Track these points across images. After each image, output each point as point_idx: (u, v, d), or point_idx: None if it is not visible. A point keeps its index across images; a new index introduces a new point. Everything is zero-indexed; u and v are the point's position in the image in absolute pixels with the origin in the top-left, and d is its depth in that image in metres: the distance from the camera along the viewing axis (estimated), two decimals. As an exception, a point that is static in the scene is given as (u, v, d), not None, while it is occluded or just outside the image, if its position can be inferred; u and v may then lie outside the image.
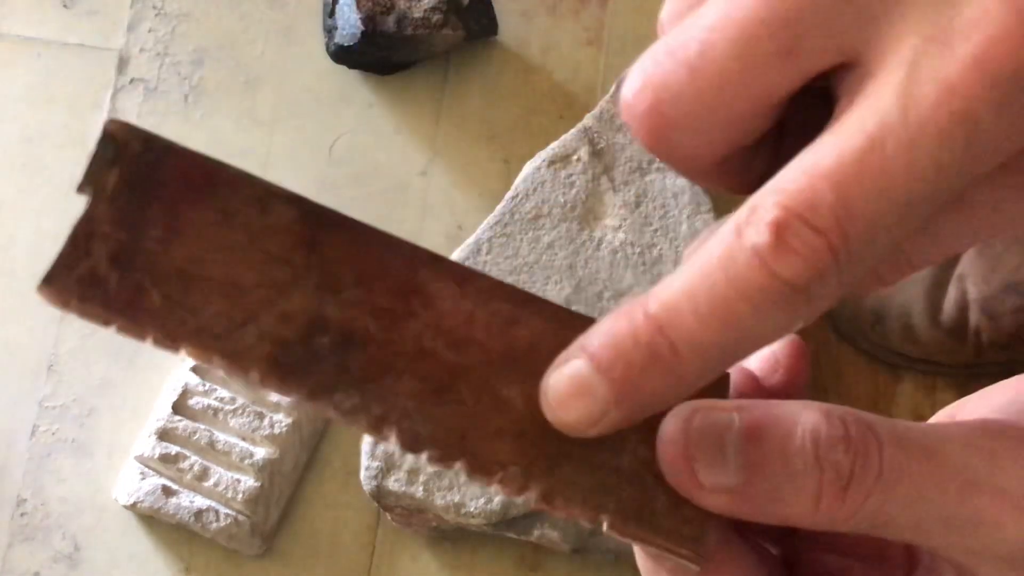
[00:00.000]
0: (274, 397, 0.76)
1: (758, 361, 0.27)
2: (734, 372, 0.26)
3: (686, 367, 0.21)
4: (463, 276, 0.24)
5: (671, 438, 0.23)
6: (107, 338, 0.81)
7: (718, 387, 0.24)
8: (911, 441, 0.22)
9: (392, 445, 0.23)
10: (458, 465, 0.23)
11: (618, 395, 0.21)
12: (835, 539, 0.27)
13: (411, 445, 0.23)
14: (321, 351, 0.23)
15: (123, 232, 0.24)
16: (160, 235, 0.24)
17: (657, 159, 0.23)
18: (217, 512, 0.74)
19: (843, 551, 0.27)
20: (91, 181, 0.24)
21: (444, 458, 0.23)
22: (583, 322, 0.24)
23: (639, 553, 0.25)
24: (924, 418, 0.85)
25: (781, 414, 0.22)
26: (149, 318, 0.24)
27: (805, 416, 0.22)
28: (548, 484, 0.23)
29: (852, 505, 0.22)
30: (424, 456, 0.23)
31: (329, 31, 0.86)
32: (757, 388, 0.26)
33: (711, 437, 0.22)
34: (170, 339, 0.24)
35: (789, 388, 0.27)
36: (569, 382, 0.22)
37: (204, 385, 0.76)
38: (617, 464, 0.24)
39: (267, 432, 0.75)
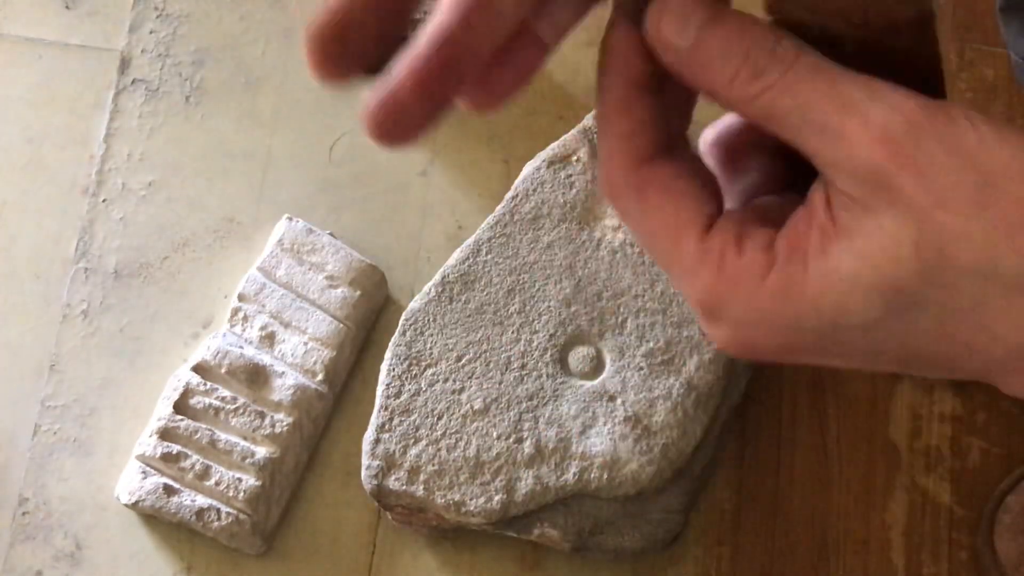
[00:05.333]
0: (275, 396, 0.76)
1: None
2: None
3: None
4: None
5: (656, 5, 0.30)
6: (108, 338, 0.81)
7: None
8: (821, 67, 0.29)
9: None
10: None
11: None
12: None
13: None
14: None
15: None
16: None
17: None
18: (218, 511, 0.74)
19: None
20: None
21: None
22: None
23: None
24: (923, 419, 0.84)
25: (743, 23, 0.30)
26: None
27: (755, 28, 0.30)
28: None
29: (757, 88, 0.29)
30: None
31: (330, 32, 0.86)
32: None
33: (685, 9, 0.30)
34: None
35: None
36: None
37: (205, 384, 0.76)
38: None
39: (268, 431, 0.76)
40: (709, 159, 0.34)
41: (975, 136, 0.27)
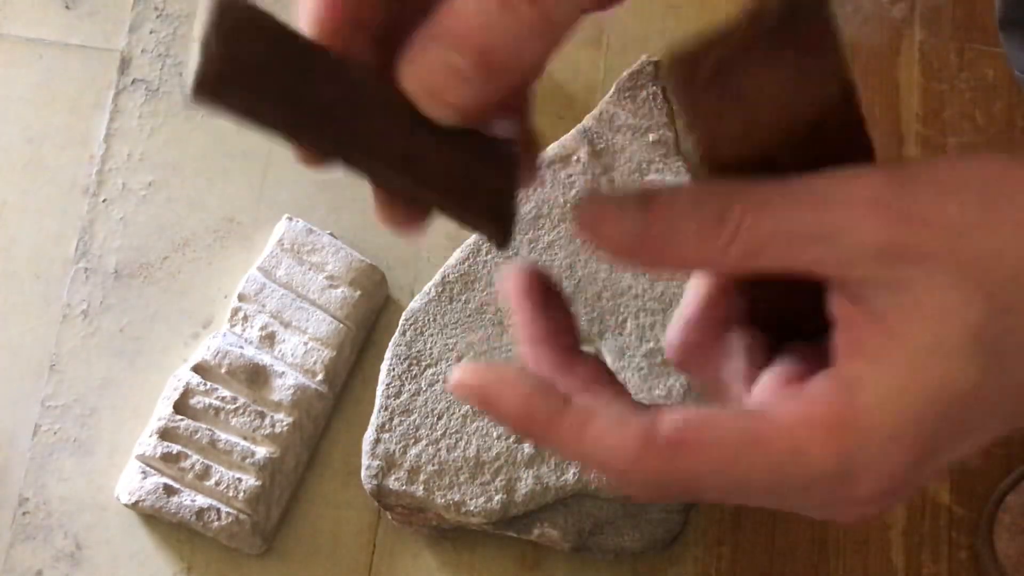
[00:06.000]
0: (275, 396, 0.76)
1: None
2: None
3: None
4: None
5: (582, 204, 0.29)
6: (108, 338, 0.81)
7: None
8: (773, 186, 0.27)
9: None
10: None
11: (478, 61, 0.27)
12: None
13: None
14: None
15: None
16: None
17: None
18: (218, 511, 0.74)
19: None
20: None
21: None
22: None
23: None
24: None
25: (672, 188, 0.28)
26: None
27: (689, 186, 0.28)
28: None
29: (730, 228, 0.27)
30: None
31: (330, 32, 0.86)
32: None
33: (615, 198, 0.28)
34: None
35: None
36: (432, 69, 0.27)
37: (205, 385, 0.76)
38: None
39: (268, 431, 0.76)
40: (685, 363, 0.32)
41: (946, 166, 0.27)
